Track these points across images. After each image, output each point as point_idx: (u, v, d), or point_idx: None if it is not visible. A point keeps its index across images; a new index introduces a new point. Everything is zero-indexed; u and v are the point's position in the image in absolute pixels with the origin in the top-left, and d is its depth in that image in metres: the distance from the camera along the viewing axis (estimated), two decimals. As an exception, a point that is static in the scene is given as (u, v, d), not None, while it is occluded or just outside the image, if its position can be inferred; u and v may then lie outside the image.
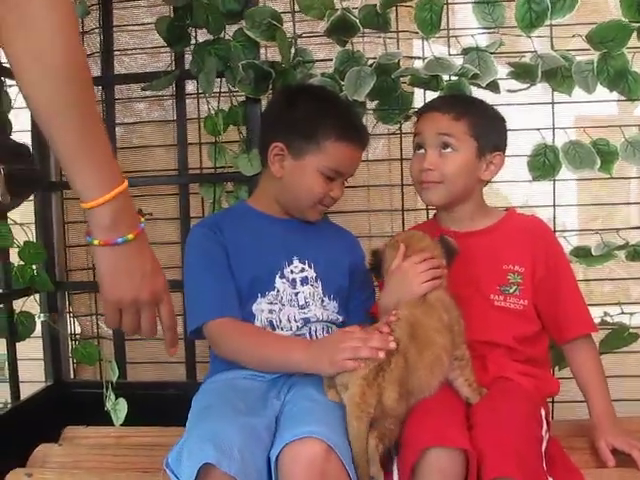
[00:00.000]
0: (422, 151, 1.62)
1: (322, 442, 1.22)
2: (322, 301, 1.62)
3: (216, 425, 1.24)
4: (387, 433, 1.32)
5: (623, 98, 1.94)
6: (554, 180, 2.02)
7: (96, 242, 0.98)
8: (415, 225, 1.86)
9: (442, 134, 1.59)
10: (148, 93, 2.19)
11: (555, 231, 2.00)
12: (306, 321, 1.58)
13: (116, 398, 2.03)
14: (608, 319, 2.00)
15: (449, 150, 1.59)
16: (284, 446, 1.23)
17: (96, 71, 2.23)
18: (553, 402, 1.96)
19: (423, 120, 1.65)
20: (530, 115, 2.04)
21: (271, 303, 1.58)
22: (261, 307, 1.57)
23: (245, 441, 1.22)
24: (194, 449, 1.20)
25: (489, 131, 1.62)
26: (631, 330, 1.99)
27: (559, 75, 1.91)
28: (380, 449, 1.31)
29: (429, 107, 1.69)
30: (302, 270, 1.62)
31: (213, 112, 2.02)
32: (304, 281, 1.61)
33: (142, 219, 1.03)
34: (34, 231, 2.15)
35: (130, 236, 0.99)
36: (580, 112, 2.11)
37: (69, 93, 0.90)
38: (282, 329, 1.57)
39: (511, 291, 1.59)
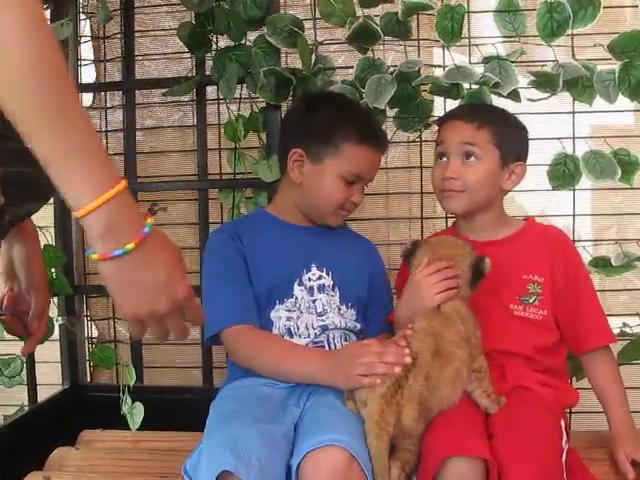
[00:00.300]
0: (444, 159, 1.62)
1: (344, 450, 1.22)
2: (339, 309, 1.61)
3: (235, 432, 1.23)
4: (408, 457, 1.31)
5: (641, 108, 1.94)
6: (574, 190, 2.01)
7: (94, 256, 0.87)
8: (434, 233, 1.85)
9: (465, 143, 1.58)
10: (169, 98, 2.19)
11: (574, 241, 2.00)
12: (324, 328, 1.57)
13: (132, 402, 2.03)
14: (627, 330, 1.99)
15: (472, 159, 1.58)
16: (305, 454, 1.22)
17: (117, 76, 2.26)
18: (571, 412, 1.94)
19: (445, 129, 1.65)
20: (547, 125, 2.04)
21: (289, 310, 1.57)
22: (279, 314, 1.57)
23: (264, 449, 1.21)
24: (212, 456, 1.20)
25: (512, 140, 1.62)
26: (650, 341, 1.98)
27: (580, 85, 1.90)
28: (402, 478, 1.30)
29: (451, 116, 1.68)
30: (319, 278, 1.61)
31: (233, 118, 2.03)
32: (321, 289, 1.60)
33: (149, 221, 0.89)
34: (53, 234, 2.16)
35: (130, 246, 0.86)
36: (596, 121, 2.10)
37: (38, 91, 0.81)
38: (300, 336, 1.56)
39: (531, 301, 1.58)
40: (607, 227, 2.22)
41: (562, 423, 1.47)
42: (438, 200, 1.70)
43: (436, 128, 1.77)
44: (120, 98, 2.25)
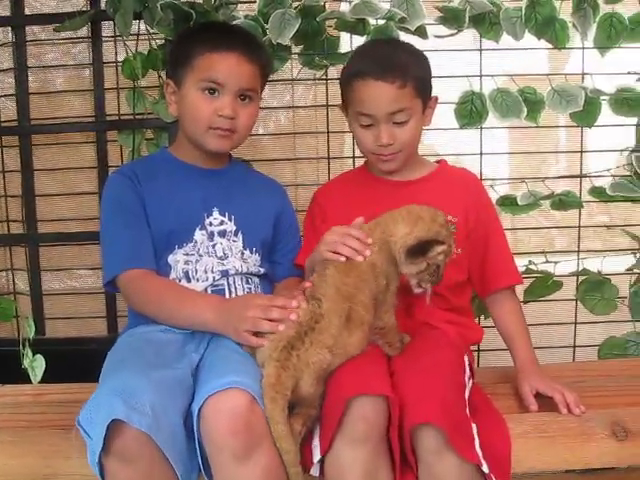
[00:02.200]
0: (371, 126, 1.54)
1: (246, 392, 1.20)
2: (242, 254, 1.57)
3: (127, 380, 1.19)
4: (311, 412, 1.28)
5: (550, 47, 1.93)
6: (481, 128, 2.01)
7: None
8: (345, 172, 1.81)
9: (394, 112, 1.51)
10: (62, 35, 2.09)
11: (482, 179, 2.01)
12: (224, 273, 1.53)
13: (34, 355, 1.95)
14: (533, 267, 2.02)
15: (402, 121, 1.53)
16: (207, 398, 1.19)
17: (5, 10, 2.12)
18: (479, 350, 1.98)
19: (364, 94, 1.52)
20: (458, 64, 2.02)
21: (187, 254, 1.53)
22: (177, 258, 1.52)
23: (157, 395, 1.18)
24: (103, 405, 1.16)
25: (427, 80, 1.58)
26: (555, 279, 2.02)
27: (487, 21, 1.89)
28: (303, 432, 1.27)
29: (365, 74, 1.52)
30: (221, 223, 1.56)
31: (131, 55, 1.93)
32: (221, 234, 1.56)
33: None
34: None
35: None
36: (512, 68, 2.09)
37: None
38: (198, 280, 1.51)
39: None
40: (523, 169, 2.24)
41: (466, 359, 1.48)
42: (371, 161, 1.63)
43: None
44: (9, 35, 2.11)
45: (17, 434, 1.50)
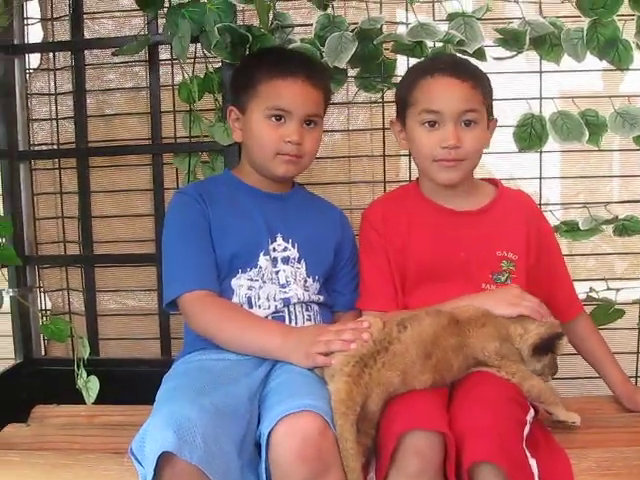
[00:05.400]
0: (436, 126, 1.47)
1: (319, 417, 1.18)
2: (305, 282, 1.56)
3: (179, 410, 1.16)
4: (368, 442, 1.26)
5: (611, 68, 1.87)
6: (540, 152, 1.96)
7: None
8: (392, 191, 1.78)
9: (466, 111, 1.46)
10: (120, 59, 2.11)
11: (540, 205, 1.96)
12: (286, 302, 1.52)
13: (88, 375, 1.96)
14: (594, 295, 1.96)
15: (472, 125, 1.47)
16: (279, 420, 1.18)
17: (65, 35, 2.15)
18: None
19: (437, 91, 1.46)
20: (516, 86, 1.99)
21: (251, 279, 1.52)
22: (240, 282, 1.51)
23: (210, 425, 1.15)
24: (155, 436, 1.14)
25: (490, 94, 1.54)
26: (616, 306, 1.95)
27: (547, 43, 1.85)
28: (362, 461, 1.24)
29: (437, 71, 1.47)
30: (285, 249, 1.55)
31: (188, 79, 1.94)
32: (285, 261, 1.55)
33: None
34: (0, 203, 2.08)
35: None
36: (566, 87, 2.05)
37: None
38: (260, 307, 1.50)
39: (503, 279, 1.53)
40: (577, 191, 2.18)
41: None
42: (427, 170, 1.54)
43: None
44: (68, 59, 2.14)
45: (70, 457, 1.50)
